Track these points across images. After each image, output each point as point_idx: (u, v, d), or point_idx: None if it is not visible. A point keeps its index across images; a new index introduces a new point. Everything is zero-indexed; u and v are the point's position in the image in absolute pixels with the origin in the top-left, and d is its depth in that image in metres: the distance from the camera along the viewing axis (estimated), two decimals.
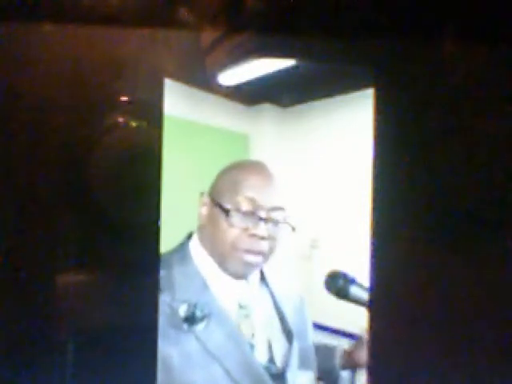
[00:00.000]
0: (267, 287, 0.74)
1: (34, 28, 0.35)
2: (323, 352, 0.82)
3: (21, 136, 0.35)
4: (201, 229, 0.70)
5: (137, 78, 0.37)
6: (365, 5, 0.36)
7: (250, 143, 2.95)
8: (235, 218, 0.63)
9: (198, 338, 0.60)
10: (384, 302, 0.37)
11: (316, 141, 2.83)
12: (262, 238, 0.64)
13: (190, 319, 0.60)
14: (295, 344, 0.70)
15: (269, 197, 0.65)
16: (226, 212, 0.63)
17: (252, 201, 0.63)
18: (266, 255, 0.66)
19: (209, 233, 0.67)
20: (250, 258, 0.65)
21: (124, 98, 0.36)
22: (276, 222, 0.66)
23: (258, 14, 0.37)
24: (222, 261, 0.67)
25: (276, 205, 0.65)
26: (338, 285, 0.71)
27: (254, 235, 0.63)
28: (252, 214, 0.63)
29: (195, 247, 0.69)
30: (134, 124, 0.37)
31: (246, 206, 0.63)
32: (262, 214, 0.64)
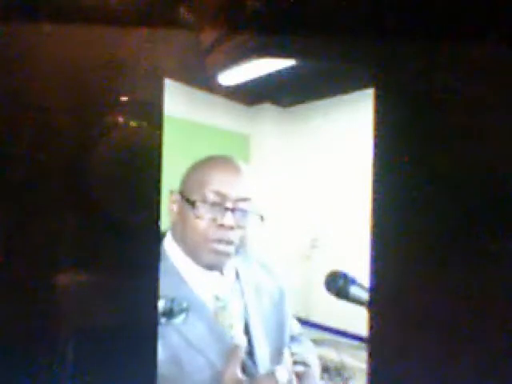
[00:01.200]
0: (240, 283, 0.75)
1: (34, 28, 0.35)
2: None
3: (21, 136, 0.35)
4: (173, 226, 0.72)
5: (137, 78, 0.37)
6: (365, 5, 0.36)
7: (250, 143, 2.95)
8: (202, 210, 0.65)
9: (178, 332, 0.61)
10: (384, 302, 0.37)
11: (316, 141, 2.84)
12: (231, 228, 0.66)
13: (168, 313, 0.61)
14: (267, 338, 0.71)
15: (235, 188, 0.67)
16: (193, 204, 0.65)
17: (218, 193, 0.66)
18: (235, 244, 0.69)
19: (180, 228, 0.69)
20: (221, 247, 0.67)
21: (124, 98, 0.36)
22: (244, 212, 0.68)
23: (258, 14, 0.37)
24: (194, 253, 0.68)
25: (242, 195, 0.68)
26: (338, 285, 0.71)
27: (221, 225, 0.65)
28: (219, 205, 0.66)
29: (169, 244, 0.71)
30: (134, 124, 0.37)
31: (212, 198, 0.65)
32: (229, 205, 0.66)
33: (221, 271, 0.71)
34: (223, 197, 0.66)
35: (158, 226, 0.37)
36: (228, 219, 0.65)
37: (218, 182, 0.66)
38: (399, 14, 0.36)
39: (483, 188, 0.36)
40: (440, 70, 0.37)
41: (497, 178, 0.36)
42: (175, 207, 0.70)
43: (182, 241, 0.69)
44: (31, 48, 0.35)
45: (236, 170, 0.69)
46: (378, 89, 0.37)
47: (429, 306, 0.36)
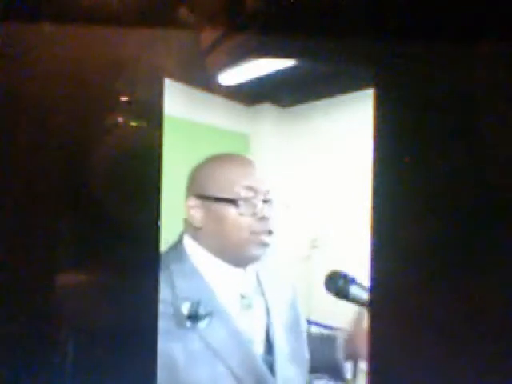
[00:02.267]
0: (259, 282, 0.75)
1: (34, 28, 0.35)
2: (324, 343, 0.82)
3: (21, 136, 0.35)
4: (197, 230, 0.70)
5: (137, 78, 0.37)
6: (365, 5, 0.36)
7: (250, 143, 2.95)
8: (243, 207, 0.67)
9: (200, 336, 0.61)
10: (384, 301, 0.37)
11: (316, 141, 2.83)
12: (269, 218, 0.69)
13: (194, 317, 0.60)
14: (286, 337, 0.71)
15: (261, 181, 0.70)
16: (234, 202, 0.67)
17: (250, 188, 0.68)
18: (273, 234, 0.71)
19: (212, 230, 0.69)
20: (266, 238, 0.69)
21: (124, 98, 0.36)
22: (272, 202, 0.71)
23: (258, 14, 0.37)
24: (236, 252, 0.69)
25: (268, 187, 0.71)
26: (338, 285, 0.71)
27: (263, 217, 0.68)
28: (253, 199, 0.68)
29: (191, 247, 0.70)
30: (133, 124, 0.37)
31: (246, 194, 0.68)
32: (263, 197, 0.69)
33: (245, 269, 0.71)
34: (255, 190, 0.68)
35: (158, 226, 0.37)
36: (267, 210, 0.68)
37: (247, 177, 0.69)
38: (399, 14, 0.36)
39: (484, 188, 0.36)
40: (440, 70, 0.37)
41: (497, 179, 0.36)
42: (199, 211, 0.69)
43: (216, 242, 0.69)
44: (31, 48, 0.35)
45: (252, 163, 0.72)
46: (377, 89, 0.37)
47: (429, 305, 0.36)
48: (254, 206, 0.68)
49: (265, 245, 0.69)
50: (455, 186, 0.36)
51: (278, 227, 0.73)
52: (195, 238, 0.70)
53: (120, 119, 0.36)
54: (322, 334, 0.85)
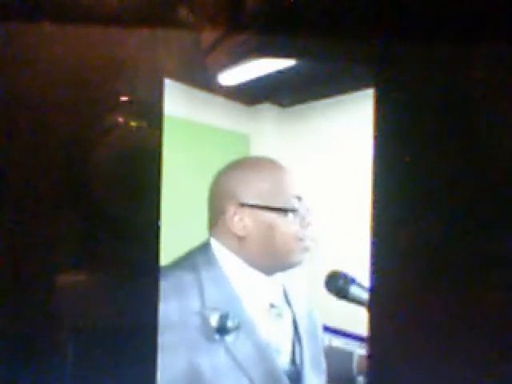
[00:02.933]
0: (285, 290, 0.75)
1: (34, 28, 0.35)
2: (340, 357, 0.84)
3: (21, 136, 0.35)
4: (237, 239, 0.69)
5: (137, 78, 0.37)
6: (365, 5, 0.36)
7: (250, 143, 2.95)
8: (293, 216, 0.69)
9: (227, 349, 0.60)
10: (384, 301, 0.37)
11: (316, 141, 2.83)
12: (312, 225, 0.72)
13: (222, 329, 0.59)
14: (308, 346, 0.71)
15: (302, 189, 0.73)
16: (287, 212, 0.69)
17: (297, 197, 0.71)
18: (315, 239, 0.75)
19: (258, 241, 0.68)
20: (310, 244, 0.72)
21: (124, 98, 0.36)
22: (312, 210, 0.74)
23: (258, 14, 0.37)
24: (280, 260, 0.70)
25: (306, 194, 0.74)
26: (338, 285, 0.71)
27: (309, 224, 0.71)
28: (301, 208, 0.71)
29: (221, 252, 0.69)
30: (133, 124, 0.37)
31: (295, 202, 0.70)
32: (307, 205, 0.72)
33: (274, 278, 0.71)
34: (300, 199, 0.71)
35: (158, 226, 0.37)
36: (311, 217, 0.71)
37: (294, 186, 0.72)
38: (399, 13, 0.36)
39: (484, 188, 0.36)
40: (440, 70, 0.37)
41: (498, 178, 0.36)
42: (244, 220, 0.68)
43: (260, 251, 0.68)
44: (31, 48, 0.35)
45: (290, 171, 0.75)
46: (377, 89, 0.37)
47: (428, 305, 0.36)
48: (301, 214, 0.70)
49: (307, 250, 0.71)
50: (455, 185, 0.36)
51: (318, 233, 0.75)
52: (229, 244, 0.69)
53: (120, 119, 0.36)
54: (340, 348, 0.86)
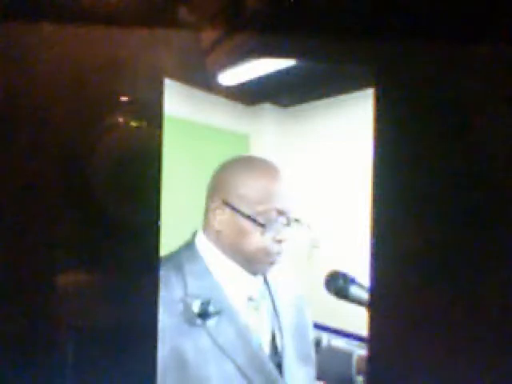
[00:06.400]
0: (267, 285, 0.76)
1: (34, 28, 0.35)
2: (340, 357, 0.84)
3: (21, 136, 0.35)
4: (216, 232, 0.70)
5: (137, 78, 0.37)
6: (365, 5, 0.36)
7: (250, 143, 2.95)
8: (268, 230, 0.68)
9: (209, 334, 0.62)
10: (384, 301, 0.37)
11: (316, 141, 2.83)
12: (285, 241, 0.70)
13: (203, 314, 0.61)
14: (292, 339, 0.72)
15: (290, 203, 0.70)
16: (262, 226, 0.67)
17: (280, 211, 0.68)
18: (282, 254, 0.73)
19: (231, 238, 0.70)
20: (276, 259, 0.70)
21: (124, 98, 0.36)
22: (292, 223, 0.72)
23: (258, 14, 0.37)
24: (248, 263, 0.70)
25: (293, 209, 0.71)
26: (338, 285, 0.71)
27: (280, 240, 0.68)
28: (278, 224, 0.68)
29: (205, 246, 0.71)
30: (134, 124, 0.37)
31: (275, 216, 0.68)
32: (287, 221, 0.69)
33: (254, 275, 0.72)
34: (282, 213, 0.68)
35: (158, 226, 0.37)
36: (287, 234, 0.68)
37: (279, 199, 0.68)
38: (399, 14, 0.36)
39: (484, 188, 0.36)
40: (440, 70, 0.37)
41: (498, 178, 0.36)
42: (221, 215, 0.70)
43: (232, 249, 0.69)
44: (31, 48, 0.35)
45: (282, 178, 0.72)
46: (377, 89, 0.37)
47: (428, 305, 0.36)
48: (278, 230, 0.68)
49: (273, 264, 0.70)
50: (455, 185, 0.36)
51: (289, 247, 0.74)
52: (210, 236, 0.71)
53: (120, 119, 0.36)
54: (340, 348, 0.86)
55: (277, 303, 0.74)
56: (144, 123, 0.37)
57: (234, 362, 0.62)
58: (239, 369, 0.62)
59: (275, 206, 0.67)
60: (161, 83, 0.37)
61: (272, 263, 0.70)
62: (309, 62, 0.44)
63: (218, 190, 0.71)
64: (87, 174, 0.36)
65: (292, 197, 0.71)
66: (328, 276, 0.73)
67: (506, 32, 0.35)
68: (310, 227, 0.74)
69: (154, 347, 0.38)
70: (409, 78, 0.37)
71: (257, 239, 0.67)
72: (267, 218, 0.67)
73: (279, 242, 0.68)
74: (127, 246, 0.37)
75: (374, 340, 0.37)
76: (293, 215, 0.70)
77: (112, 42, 0.36)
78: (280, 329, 0.72)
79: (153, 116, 0.37)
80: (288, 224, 0.69)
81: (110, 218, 0.36)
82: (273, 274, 0.77)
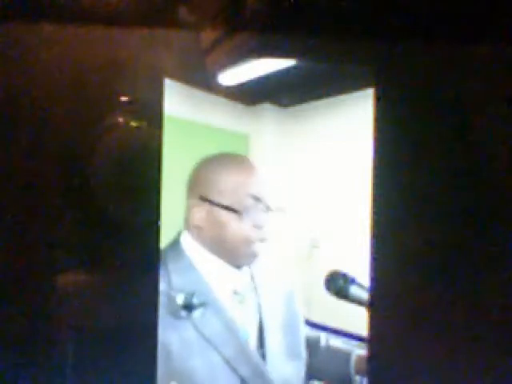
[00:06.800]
0: (252, 278, 0.77)
1: (34, 28, 0.35)
2: (338, 357, 0.84)
3: (21, 136, 0.35)
4: (197, 229, 0.72)
5: (137, 78, 0.37)
6: (365, 5, 0.36)
7: (250, 143, 2.95)
8: (245, 217, 0.69)
9: (195, 326, 0.62)
10: (384, 301, 0.37)
11: (316, 141, 2.83)
12: (265, 226, 0.71)
13: (188, 306, 0.62)
14: (280, 333, 0.72)
15: (264, 188, 0.72)
16: (237, 212, 0.68)
17: (254, 197, 0.69)
18: (266, 241, 0.74)
19: (211, 232, 0.71)
20: (259, 246, 0.71)
21: (124, 98, 0.36)
22: (270, 210, 0.73)
23: (258, 14, 0.37)
24: (231, 255, 0.71)
25: (269, 194, 0.72)
26: (338, 285, 0.71)
27: (261, 227, 0.69)
28: (255, 208, 0.70)
29: (189, 244, 0.72)
30: (134, 124, 0.37)
31: (250, 203, 0.69)
32: (264, 206, 0.70)
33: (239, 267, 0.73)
34: (258, 199, 0.69)
35: (158, 226, 0.37)
36: (266, 220, 0.70)
37: (252, 186, 0.70)
38: (399, 14, 0.36)
39: (484, 188, 0.36)
40: (440, 69, 0.37)
41: (497, 178, 0.36)
42: (200, 212, 0.71)
43: (214, 243, 0.71)
44: (31, 48, 0.35)
45: (255, 169, 0.74)
46: (377, 89, 0.37)
47: (428, 305, 0.36)
48: (255, 216, 0.69)
49: (257, 253, 0.71)
50: (455, 185, 0.36)
51: (271, 234, 0.74)
52: (194, 235, 0.72)
53: (120, 119, 0.36)
54: (338, 348, 0.86)
55: (262, 297, 0.75)
56: (144, 123, 0.37)
57: (220, 354, 0.63)
58: (226, 360, 0.63)
59: (250, 192, 0.69)
60: (161, 83, 0.37)
61: (256, 253, 0.71)
62: (309, 62, 0.44)
63: (194, 187, 0.73)
64: (87, 174, 0.36)
65: (267, 185, 0.73)
66: (328, 276, 0.73)
67: (506, 32, 0.35)
68: (284, 210, 0.75)
69: (154, 347, 0.38)
70: (409, 78, 0.37)
71: (236, 227, 0.68)
72: (243, 204, 0.68)
73: (259, 227, 0.69)
74: (127, 245, 0.37)
75: (374, 340, 0.37)
76: (269, 202, 0.72)
77: (112, 42, 0.36)
78: (263, 323, 0.72)
79: (153, 116, 0.37)
80: (266, 210, 0.70)
81: (110, 218, 0.36)
82: (260, 268, 0.78)
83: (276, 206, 0.73)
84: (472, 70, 0.36)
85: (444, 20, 0.36)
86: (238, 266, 0.71)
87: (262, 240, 0.70)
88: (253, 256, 0.71)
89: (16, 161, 0.35)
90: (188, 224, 0.73)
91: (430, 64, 0.37)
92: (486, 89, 0.36)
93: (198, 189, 0.72)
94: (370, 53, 0.37)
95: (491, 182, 0.36)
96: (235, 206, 0.68)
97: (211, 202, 0.70)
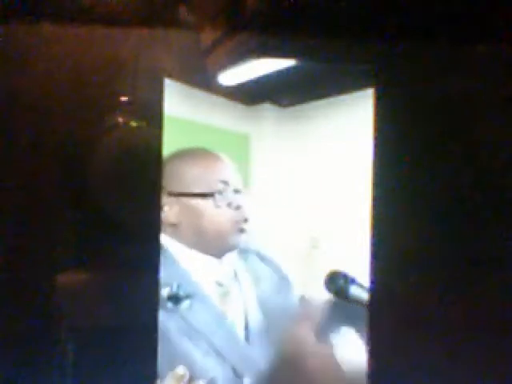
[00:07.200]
0: (236, 271, 0.78)
1: (34, 28, 0.35)
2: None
3: (21, 136, 0.35)
4: (172, 227, 0.73)
5: (137, 78, 0.37)
6: (365, 5, 0.36)
7: (250, 143, 2.95)
8: (220, 200, 0.71)
9: (183, 318, 0.63)
10: (384, 301, 0.37)
11: (316, 141, 2.83)
12: (243, 207, 0.73)
13: (174, 298, 0.62)
14: (264, 322, 0.73)
15: (231, 174, 0.74)
16: (211, 196, 0.70)
17: (222, 181, 0.72)
18: (248, 221, 0.76)
19: (188, 226, 0.72)
20: (244, 226, 0.73)
21: (124, 98, 0.36)
22: (242, 193, 0.76)
23: (258, 14, 0.37)
24: (212, 245, 0.72)
25: (238, 179, 0.75)
26: (338, 285, 0.71)
27: (238, 207, 0.71)
28: (226, 191, 0.72)
29: (167, 242, 0.73)
30: (134, 124, 0.37)
31: (223, 187, 0.71)
32: (234, 188, 0.73)
33: (221, 259, 0.73)
34: (226, 183, 0.71)
35: (158, 226, 0.37)
36: (241, 200, 0.72)
37: (219, 172, 0.72)
38: (399, 14, 0.36)
39: (484, 189, 0.36)
40: (439, 69, 0.37)
41: (497, 179, 0.36)
42: (173, 208, 0.72)
43: (192, 236, 0.71)
44: (31, 48, 0.35)
45: (217, 156, 0.76)
46: (377, 89, 0.37)
47: (428, 305, 0.36)
48: (228, 197, 0.71)
49: (242, 231, 0.73)
50: (454, 185, 0.36)
51: (251, 215, 0.76)
52: (170, 234, 0.73)
53: (120, 119, 0.36)
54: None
55: (247, 290, 0.76)
56: (144, 123, 0.37)
57: (211, 345, 0.64)
58: (215, 348, 0.64)
59: (218, 177, 0.71)
60: (161, 83, 0.37)
61: (241, 231, 0.73)
62: (309, 62, 0.44)
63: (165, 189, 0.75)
64: (87, 174, 0.36)
65: (233, 169, 0.75)
66: (328, 276, 0.73)
67: (506, 32, 0.36)
68: (253, 195, 0.79)
69: (154, 347, 0.38)
70: (409, 78, 0.37)
71: (213, 213, 0.70)
72: (214, 189, 0.70)
73: (236, 208, 0.71)
74: (127, 245, 0.37)
75: (374, 340, 0.37)
76: (238, 185, 0.74)
77: (112, 42, 0.36)
78: (248, 313, 0.73)
79: (153, 116, 0.37)
80: (235, 193, 0.72)
81: (110, 218, 0.36)
82: (243, 261, 0.79)
83: (243, 188, 0.76)
84: (472, 69, 0.36)
85: (444, 20, 0.36)
86: (221, 255, 0.72)
87: (243, 220, 0.72)
88: (237, 238, 0.73)
89: (16, 161, 0.35)
90: (165, 224, 0.74)
91: (429, 64, 0.37)
92: (486, 89, 0.36)
93: (167, 186, 0.74)
94: (370, 53, 0.37)
95: (491, 182, 0.36)
96: (207, 192, 0.70)
97: (182, 194, 0.71)
